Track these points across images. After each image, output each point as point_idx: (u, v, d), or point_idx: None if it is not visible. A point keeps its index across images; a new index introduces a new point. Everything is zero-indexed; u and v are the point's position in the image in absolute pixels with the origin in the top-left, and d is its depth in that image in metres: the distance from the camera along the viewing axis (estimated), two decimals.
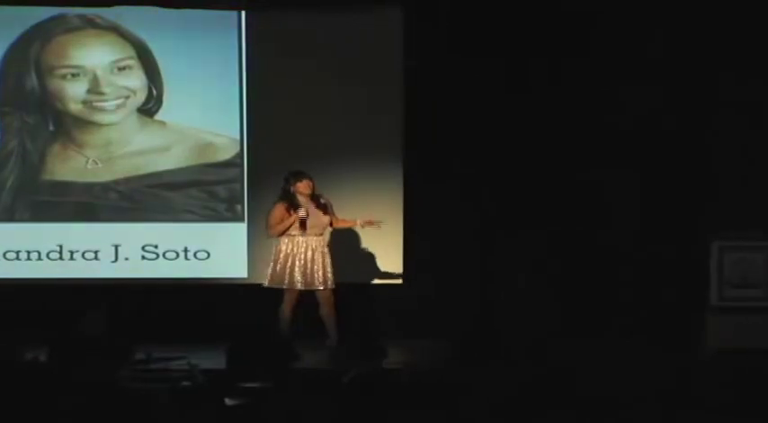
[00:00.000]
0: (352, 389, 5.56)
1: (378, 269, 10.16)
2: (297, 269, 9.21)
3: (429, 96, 10.16)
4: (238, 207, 10.31)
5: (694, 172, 9.99)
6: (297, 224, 9.17)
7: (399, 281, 10.29)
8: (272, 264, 9.32)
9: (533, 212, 10.12)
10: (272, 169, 10.15)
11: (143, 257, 10.23)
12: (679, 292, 9.73)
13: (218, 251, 10.29)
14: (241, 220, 10.29)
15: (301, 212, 9.16)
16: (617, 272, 10.04)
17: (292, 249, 9.24)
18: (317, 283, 9.23)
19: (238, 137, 10.24)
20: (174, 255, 10.24)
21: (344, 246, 9.83)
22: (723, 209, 9.80)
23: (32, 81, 10.14)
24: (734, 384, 6.43)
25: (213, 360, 7.21)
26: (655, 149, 10.04)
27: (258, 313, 9.32)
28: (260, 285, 10.05)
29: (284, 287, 9.25)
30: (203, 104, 10.23)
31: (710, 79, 9.91)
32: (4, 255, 10.14)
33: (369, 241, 10.02)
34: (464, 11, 10.16)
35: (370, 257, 9.93)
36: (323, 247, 9.31)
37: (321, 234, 9.32)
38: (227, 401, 5.49)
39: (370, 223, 9.40)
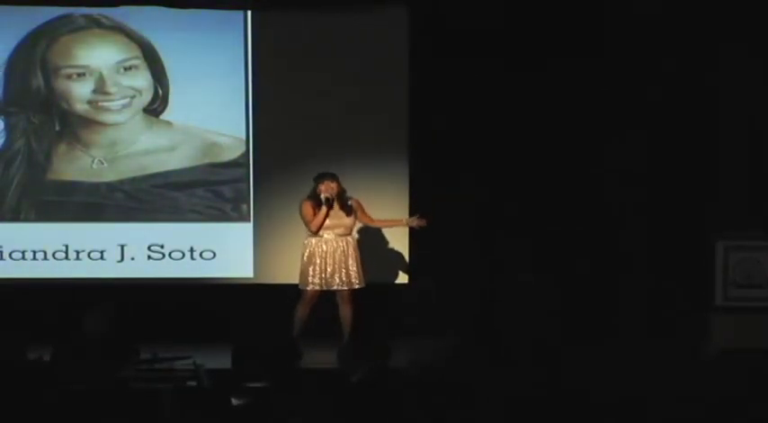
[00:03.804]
0: (360, 388, 5.58)
1: (384, 269, 10.17)
2: (326, 270, 9.26)
3: (435, 96, 10.17)
4: (244, 207, 10.32)
5: (699, 171, 9.99)
6: (325, 207, 9.21)
7: (406, 280, 10.31)
8: (300, 264, 9.35)
9: (537, 213, 10.13)
10: (277, 169, 10.19)
11: (149, 257, 10.24)
12: (683, 292, 9.74)
13: (223, 251, 10.31)
14: (247, 219, 10.31)
15: (324, 194, 9.20)
16: (620, 272, 10.04)
17: (321, 250, 9.27)
18: (341, 283, 9.27)
19: (244, 137, 10.26)
20: (179, 254, 10.26)
21: None
22: (728, 208, 9.80)
23: (38, 81, 10.15)
24: (739, 384, 6.43)
25: (218, 360, 7.23)
26: (658, 148, 10.04)
27: (264, 313, 9.33)
28: (265, 285, 10.09)
29: (309, 288, 9.28)
30: (209, 104, 10.24)
31: (715, 78, 9.92)
32: (10, 254, 10.15)
33: (375, 241, 10.03)
34: (470, 10, 10.16)
35: (377, 257, 9.93)
36: (350, 247, 9.34)
37: (347, 234, 9.36)
38: (233, 401, 5.50)
39: (421, 222, 9.47)
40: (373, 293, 9.53)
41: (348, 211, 9.35)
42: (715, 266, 9.41)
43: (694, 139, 9.98)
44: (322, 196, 9.24)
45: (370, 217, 9.51)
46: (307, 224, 9.32)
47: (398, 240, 10.25)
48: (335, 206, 9.29)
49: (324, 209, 9.23)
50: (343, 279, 9.30)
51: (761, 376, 6.58)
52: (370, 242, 9.84)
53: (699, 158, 9.99)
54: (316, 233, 9.28)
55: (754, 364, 7.16)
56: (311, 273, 9.29)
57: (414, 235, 10.20)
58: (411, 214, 10.04)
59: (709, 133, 9.97)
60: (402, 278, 10.32)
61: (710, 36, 9.84)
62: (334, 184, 9.26)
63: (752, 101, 9.87)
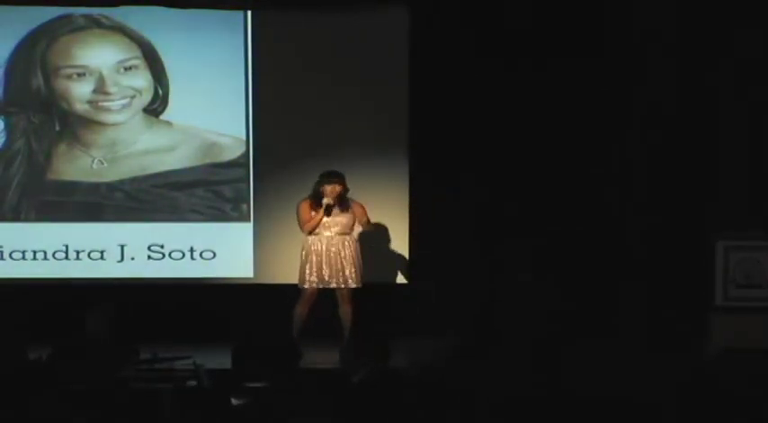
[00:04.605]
0: (361, 388, 5.58)
1: (384, 269, 10.17)
2: (322, 268, 9.27)
3: (435, 96, 10.17)
4: (244, 207, 10.33)
5: (699, 171, 9.99)
6: (323, 212, 9.24)
7: (406, 280, 10.31)
8: (299, 263, 9.36)
9: (537, 213, 10.13)
10: (277, 169, 10.19)
11: (149, 257, 10.25)
12: (683, 292, 9.73)
13: (223, 251, 10.31)
14: (247, 219, 10.31)
15: (326, 200, 9.21)
16: (620, 272, 10.04)
17: (318, 248, 9.29)
18: (338, 282, 9.29)
19: (244, 136, 10.26)
20: (179, 255, 10.26)
21: None
22: (728, 208, 9.80)
23: (38, 81, 10.15)
24: (738, 384, 6.42)
25: (218, 360, 7.23)
26: (658, 149, 10.04)
27: (264, 313, 9.34)
28: (265, 285, 10.09)
29: (307, 286, 9.29)
30: (209, 104, 10.24)
31: (715, 78, 9.91)
32: (10, 254, 10.15)
33: (375, 241, 10.03)
34: (470, 10, 10.16)
35: (377, 257, 9.93)
36: (348, 246, 9.35)
37: (346, 233, 9.37)
38: (233, 401, 5.50)
39: None
40: (373, 293, 9.53)
41: (345, 209, 9.34)
42: (715, 266, 9.40)
43: (694, 139, 9.97)
44: (324, 201, 9.24)
45: (369, 220, 9.51)
46: (300, 225, 9.34)
47: (399, 240, 10.25)
48: (336, 207, 9.30)
49: (321, 213, 9.24)
50: (339, 278, 9.30)
51: (761, 376, 6.56)
52: (371, 242, 9.83)
53: (699, 158, 9.98)
54: (309, 234, 9.30)
55: (754, 364, 7.15)
56: (308, 271, 9.31)
57: (414, 235, 10.21)
58: (411, 214, 10.08)
59: (709, 133, 9.97)
60: (402, 278, 10.32)
61: (711, 36, 9.83)
62: (339, 188, 9.26)
63: (752, 101, 9.86)
